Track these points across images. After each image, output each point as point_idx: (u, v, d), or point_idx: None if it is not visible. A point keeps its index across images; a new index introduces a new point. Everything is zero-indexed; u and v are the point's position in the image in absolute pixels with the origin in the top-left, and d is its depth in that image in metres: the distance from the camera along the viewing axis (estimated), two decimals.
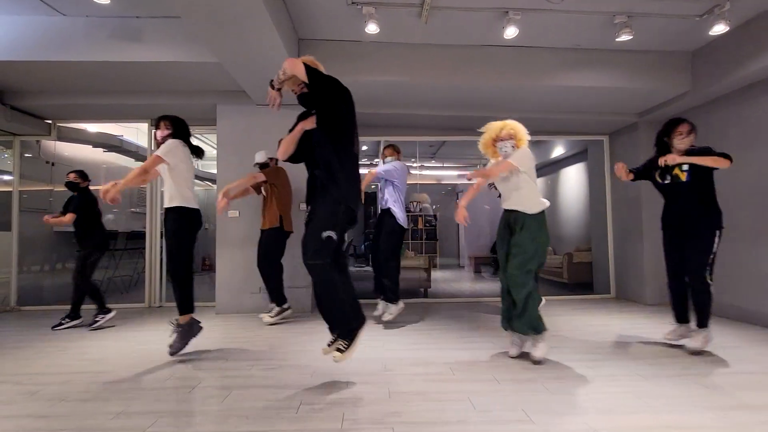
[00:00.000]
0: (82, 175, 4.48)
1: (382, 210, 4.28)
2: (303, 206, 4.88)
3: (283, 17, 3.67)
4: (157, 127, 3.24)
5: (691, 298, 3.20)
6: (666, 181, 3.23)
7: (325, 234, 2.26)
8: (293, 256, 4.56)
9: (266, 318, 4.33)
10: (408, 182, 4.47)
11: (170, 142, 3.14)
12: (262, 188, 4.43)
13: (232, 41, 3.52)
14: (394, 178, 4.24)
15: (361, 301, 2.55)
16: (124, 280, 6.90)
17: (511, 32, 3.90)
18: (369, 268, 7.36)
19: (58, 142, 6.04)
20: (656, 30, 4.14)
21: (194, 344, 3.27)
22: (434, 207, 10.11)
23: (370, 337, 3.62)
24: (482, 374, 2.74)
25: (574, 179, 7.98)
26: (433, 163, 9.94)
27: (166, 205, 3.18)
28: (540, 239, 2.93)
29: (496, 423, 2.04)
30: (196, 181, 3.28)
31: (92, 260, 4.34)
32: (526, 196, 2.98)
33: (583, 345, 3.41)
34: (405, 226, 4.21)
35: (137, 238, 5.75)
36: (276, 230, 4.29)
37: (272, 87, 2.34)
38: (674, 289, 3.32)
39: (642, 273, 5.50)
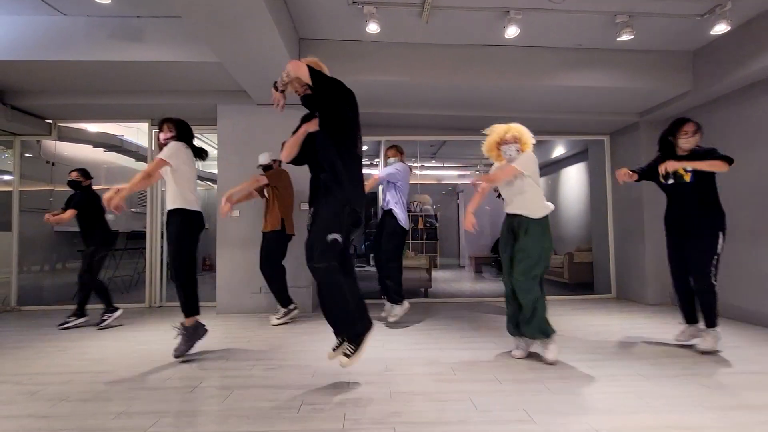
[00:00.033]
0: (84, 173, 4.48)
1: (383, 211, 4.27)
2: (304, 206, 4.88)
3: (283, 17, 3.67)
4: (160, 130, 3.23)
5: (696, 298, 3.19)
6: (669, 182, 3.22)
7: (331, 237, 2.25)
8: (295, 257, 4.56)
9: (273, 319, 4.33)
10: (409, 182, 4.46)
11: (173, 144, 3.13)
12: (265, 191, 4.42)
13: (232, 41, 3.52)
14: (397, 180, 4.23)
15: (366, 301, 2.55)
16: (124, 280, 6.91)
17: (512, 32, 3.90)
18: (369, 268, 7.35)
19: (58, 142, 6.04)
20: (657, 29, 4.14)
21: (196, 345, 3.26)
22: (435, 207, 10.10)
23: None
24: (483, 374, 2.74)
25: (574, 179, 7.97)
26: (433, 163, 9.94)
27: (169, 207, 3.16)
28: (544, 244, 2.93)
29: (497, 423, 2.03)
30: (197, 181, 3.27)
31: (98, 258, 4.35)
32: (530, 200, 2.97)
33: (584, 345, 3.40)
34: (406, 227, 4.21)
35: (137, 238, 5.76)
36: (277, 233, 4.28)
37: (276, 89, 2.33)
38: (680, 290, 3.31)
39: (643, 273, 5.50)
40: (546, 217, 2.98)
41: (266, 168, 4.45)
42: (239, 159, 5.04)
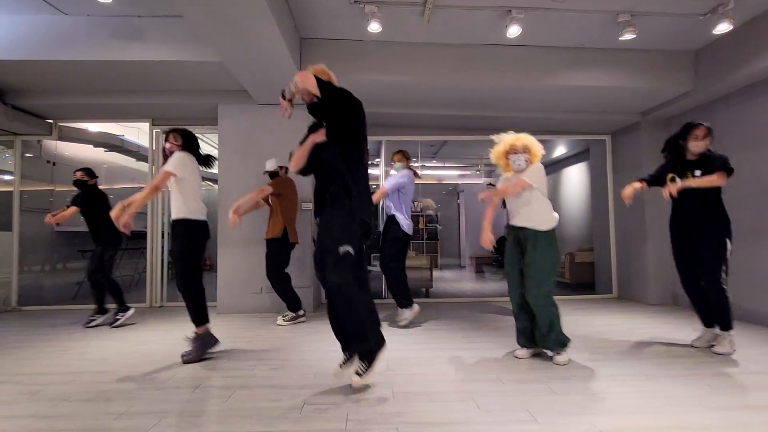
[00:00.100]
0: (89, 172, 4.47)
1: (387, 216, 4.24)
2: (305, 205, 4.87)
3: (285, 16, 3.66)
4: (166, 140, 3.21)
5: (709, 302, 3.18)
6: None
7: (343, 249, 2.21)
8: (296, 258, 4.56)
9: (279, 319, 4.33)
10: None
11: (177, 154, 3.12)
12: (269, 198, 4.41)
13: (234, 40, 3.51)
14: (404, 188, 4.19)
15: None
16: (125, 280, 6.90)
17: (513, 31, 3.89)
18: (370, 267, 7.33)
19: (59, 142, 6.04)
20: (659, 29, 4.13)
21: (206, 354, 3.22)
22: (436, 206, 10.10)
23: None
24: (486, 374, 2.73)
25: (576, 179, 7.97)
26: (434, 163, 9.94)
27: (174, 217, 3.14)
28: (553, 256, 2.92)
29: (500, 423, 2.02)
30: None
31: (108, 256, 4.35)
32: (538, 212, 2.95)
33: (586, 345, 3.39)
34: (409, 232, 4.16)
35: (138, 238, 5.75)
36: (278, 240, 4.26)
37: (283, 97, 2.31)
38: (691, 295, 3.30)
39: (645, 273, 5.49)
40: (553, 229, 2.96)
41: (272, 174, 4.43)
42: (240, 159, 5.04)
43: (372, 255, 7.27)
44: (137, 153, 7.11)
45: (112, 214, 3.02)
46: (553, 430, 1.94)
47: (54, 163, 6.18)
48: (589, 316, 4.65)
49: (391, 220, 4.15)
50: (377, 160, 6.86)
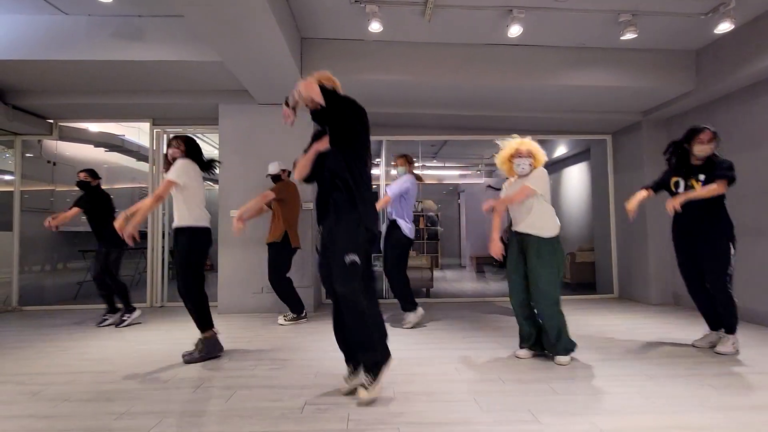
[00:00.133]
0: (92, 173, 4.46)
1: (389, 221, 4.21)
2: (306, 205, 4.86)
3: (286, 16, 3.66)
4: (168, 146, 3.20)
5: (716, 306, 3.17)
6: (680, 191, 3.20)
7: (349, 259, 2.19)
8: (297, 258, 4.54)
9: (281, 319, 4.33)
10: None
11: (179, 162, 3.10)
12: (271, 203, 4.39)
13: (234, 40, 3.51)
14: (407, 193, 4.15)
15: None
16: (125, 280, 6.88)
17: (515, 31, 3.89)
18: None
19: (59, 142, 6.04)
20: (661, 28, 4.12)
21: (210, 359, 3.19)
22: (437, 206, 10.10)
23: None
24: (487, 374, 2.72)
25: (576, 179, 7.96)
26: (434, 163, 9.94)
27: (176, 225, 3.12)
28: (557, 263, 2.92)
29: (502, 423, 2.02)
30: None
31: (114, 258, 4.35)
32: (540, 218, 2.94)
33: (587, 345, 3.38)
34: (411, 237, 4.12)
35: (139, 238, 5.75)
36: (279, 245, 4.25)
37: (287, 105, 2.30)
38: (696, 298, 3.30)
39: (646, 273, 5.48)
40: (557, 236, 2.96)
41: (275, 178, 4.42)
42: (240, 159, 5.04)
43: (373, 255, 7.25)
44: (138, 153, 7.11)
45: (116, 224, 3.02)
46: (554, 430, 1.93)
47: (54, 163, 6.18)
48: (590, 316, 4.64)
49: (393, 224, 4.12)
50: (378, 160, 6.86)
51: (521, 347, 3.12)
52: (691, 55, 4.60)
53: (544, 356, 3.08)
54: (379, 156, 6.64)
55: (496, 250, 3.00)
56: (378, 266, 5.04)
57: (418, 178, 4.28)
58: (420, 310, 4.15)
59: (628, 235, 5.83)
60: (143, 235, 5.64)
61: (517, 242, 3.02)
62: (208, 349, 3.13)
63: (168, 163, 3.20)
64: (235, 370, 2.88)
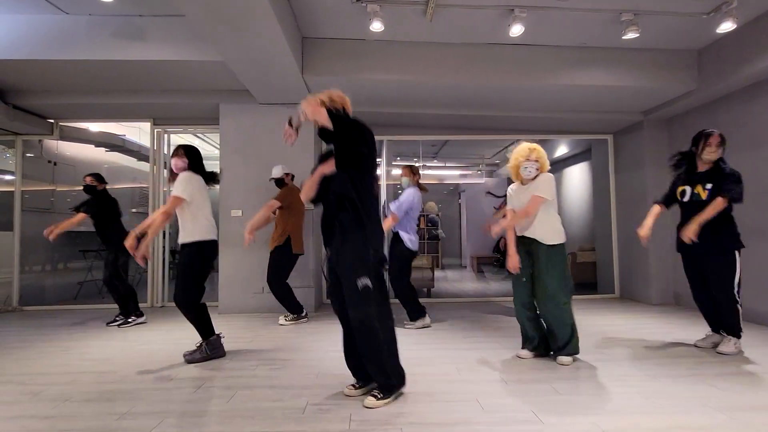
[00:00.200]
0: (98, 177, 4.44)
1: (392, 234, 4.14)
2: (308, 205, 4.85)
3: (287, 15, 3.65)
4: (173, 156, 3.18)
5: (721, 313, 3.17)
6: (685, 199, 3.20)
7: (361, 283, 2.18)
8: (297, 261, 4.53)
9: (281, 319, 4.33)
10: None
11: (182, 177, 3.07)
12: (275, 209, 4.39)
13: (235, 39, 3.50)
14: (412, 209, 4.11)
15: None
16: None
17: (516, 30, 3.88)
18: None
19: (60, 142, 6.03)
20: (662, 28, 4.11)
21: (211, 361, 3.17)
22: (438, 206, 10.09)
23: None
24: (489, 374, 2.72)
25: (578, 178, 7.95)
26: (435, 163, 9.93)
27: (182, 240, 3.09)
28: (563, 267, 2.93)
29: (504, 424, 2.01)
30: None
31: (122, 262, 4.36)
32: (548, 223, 2.95)
33: (589, 345, 3.37)
34: (413, 249, 4.06)
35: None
36: (281, 250, 4.24)
37: (290, 125, 2.28)
38: (700, 304, 3.30)
39: (647, 273, 5.47)
40: (563, 243, 2.97)
41: (278, 182, 4.41)
42: (241, 158, 5.03)
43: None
44: (138, 153, 7.10)
45: (127, 244, 3.04)
46: (556, 431, 1.93)
47: (55, 163, 6.17)
48: (592, 315, 4.63)
49: (396, 237, 4.09)
50: (378, 160, 6.86)
51: (523, 348, 3.12)
52: (693, 54, 4.59)
53: (546, 356, 3.07)
54: (379, 156, 6.64)
55: (514, 263, 2.98)
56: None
57: (422, 188, 4.21)
58: (427, 320, 4.12)
59: (629, 234, 5.82)
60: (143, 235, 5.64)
61: (526, 245, 3.02)
62: (211, 350, 3.13)
63: (172, 173, 3.18)
64: (236, 370, 2.88)
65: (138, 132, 6.84)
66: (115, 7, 3.95)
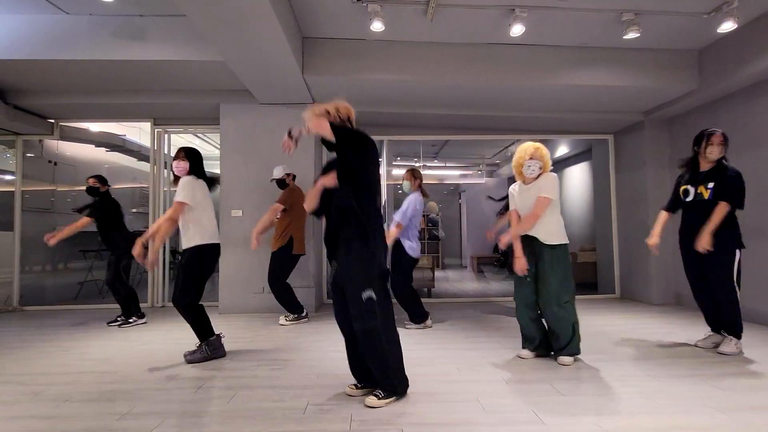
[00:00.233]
0: (101, 179, 4.43)
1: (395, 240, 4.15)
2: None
3: (287, 15, 3.65)
4: (175, 158, 3.17)
5: (721, 312, 3.17)
6: (688, 199, 3.20)
7: (365, 295, 2.18)
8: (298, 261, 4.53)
9: (282, 319, 4.33)
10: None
11: (186, 181, 3.07)
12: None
13: (236, 39, 3.50)
14: (415, 216, 4.09)
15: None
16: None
17: (517, 30, 3.87)
18: None
19: (60, 142, 6.03)
20: (663, 28, 4.11)
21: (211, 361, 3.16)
22: (438, 206, 10.07)
23: None
24: (490, 374, 2.71)
25: (578, 178, 7.95)
26: (435, 163, 9.93)
27: (186, 245, 3.08)
28: (566, 267, 2.92)
29: (506, 424, 2.01)
30: None
31: (124, 264, 4.36)
32: (549, 224, 2.95)
33: (590, 345, 3.36)
34: (414, 256, 4.05)
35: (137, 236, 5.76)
36: (283, 250, 4.24)
37: (290, 136, 2.27)
38: (701, 304, 3.30)
39: (647, 273, 5.47)
40: (565, 244, 2.97)
41: (280, 182, 4.40)
42: (242, 158, 5.03)
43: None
44: (139, 153, 7.10)
45: (135, 252, 3.06)
46: (558, 431, 1.93)
47: (55, 163, 6.17)
48: (592, 316, 4.63)
49: (397, 244, 4.07)
50: (378, 159, 6.85)
51: (524, 348, 3.11)
52: (694, 54, 4.59)
53: (547, 357, 3.07)
54: (380, 156, 6.63)
55: (522, 266, 2.95)
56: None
57: (424, 193, 4.18)
58: (428, 323, 4.11)
59: (629, 234, 5.82)
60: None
61: (529, 244, 3.01)
62: (212, 350, 3.13)
63: (175, 176, 3.18)
64: (237, 370, 2.87)
65: (138, 132, 6.83)
66: (116, 6, 3.95)
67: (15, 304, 5.49)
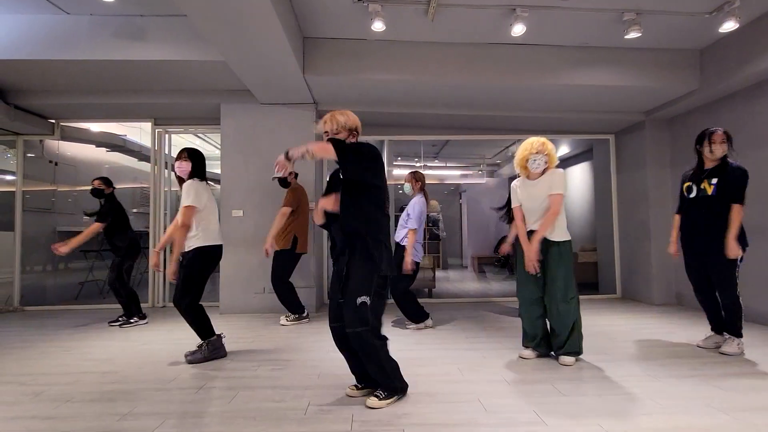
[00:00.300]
0: (106, 181, 4.43)
1: (396, 244, 4.10)
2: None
3: (288, 15, 3.65)
4: (177, 159, 3.17)
5: (722, 309, 3.17)
6: (692, 195, 3.19)
7: (360, 300, 2.18)
8: (300, 262, 4.52)
9: (283, 319, 4.33)
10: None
11: (189, 185, 3.06)
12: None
13: (237, 39, 3.50)
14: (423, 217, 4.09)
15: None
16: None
17: (518, 30, 3.87)
18: None
19: (61, 142, 6.03)
20: (664, 27, 4.10)
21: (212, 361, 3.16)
22: (439, 206, 10.06)
23: None
24: (491, 375, 2.71)
25: (579, 178, 7.95)
26: (436, 163, 9.92)
27: (190, 246, 3.08)
28: (570, 263, 2.93)
29: (507, 425, 2.00)
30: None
31: (127, 267, 4.37)
32: (558, 219, 2.95)
33: (591, 345, 3.35)
34: (417, 259, 4.05)
35: (140, 237, 5.75)
36: (286, 251, 4.24)
37: (287, 158, 2.27)
38: (703, 303, 3.30)
39: (649, 273, 5.46)
40: (569, 241, 2.98)
41: (282, 181, 4.40)
42: (243, 158, 5.03)
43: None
44: (139, 153, 7.10)
45: (151, 262, 3.06)
46: None
47: (56, 163, 6.17)
48: (593, 316, 4.62)
49: (399, 247, 4.06)
50: (383, 169, 6.84)
51: (525, 347, 3.11)
52: (695, 54, 4.58)
53: (549, 357, 3.06)
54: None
55: (533, 265, 2.92)
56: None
57: (426, 196, 4.18)
58: (429, 322, 4.11)
59: (630, 235, 5.81)
60: (145, 234, 5.64)
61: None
62: (212, 350, 3.12)
63: (178, 178, 3.18)
64: (238, 370, 2.87)
65: (139, 132, 6.83)
66: (116, 6, 3.95)
67: (16, 304, 5.49)
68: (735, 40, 4.13)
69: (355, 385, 2.43)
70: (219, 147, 5.33)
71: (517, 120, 5.58)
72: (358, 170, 2.21)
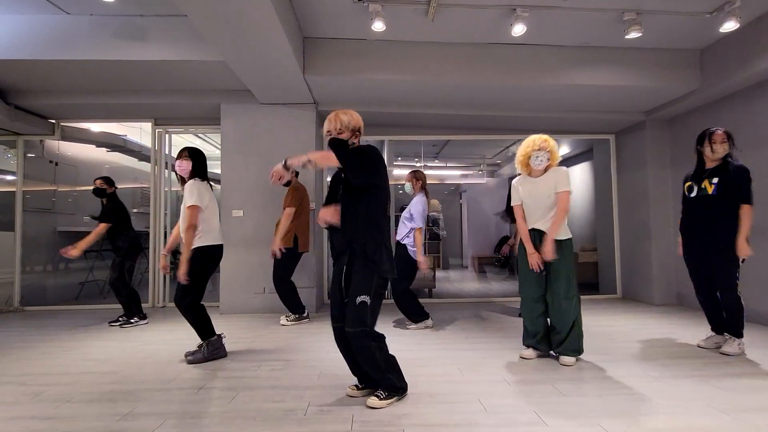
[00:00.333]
0: (108, 181, 4.42)
1: (397, 242, 4.12)
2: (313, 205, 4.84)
3: (288, 15, 3.65)
4: (178, 158, 3.16)
5: (723, 309, 3.16)
6: (692, 195, 3.19)
7: (359, 299, 2.18)
8: (300, 262, 4.52)
9: (283, 319, 4.33)
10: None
11: (190, 185, 3.06)
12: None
13: (237, 39, 3.49)
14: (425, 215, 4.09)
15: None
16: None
17: (518, 30, 3.87)
18: None
19: (61, 142, 6.03)
20: (665, 27, 4.10)
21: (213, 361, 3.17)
22: (440, 205, 10.07)
23: None
24: (491, 375, 2.71)
25: (579, 178, 7.94)
26: (436, 163, 9.91)
27: (193, 245, 3.07)
28: (572, 261, 2.94)
29: (508, 425, 2.00)
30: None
31: (129, 266, 4.37)
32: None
33: (591, 346, 3.35)
34: (418, 259, 4.03)
35: (141, 237, 5.75)
36: (288, 250, 4.22)
37: (285, 167, 2.26)
38: (704, 303, 3.29)
39: (649, 273, 5.46)
40: (570, 239, 2.98)
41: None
42: (243, 158, 5.03)
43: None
44: (139, 153, 7.10)
45: (161, 266, 3.08)
46: None
47: (56, 163, 6.17)
48: (594, 316, 4.62)
49: (399, 245, 4.07)
50: (386, 170, 6.83)
51: (526, 346, 3.10)
52: (696, 54, 4.58)
53: (549, 357, 3.06)
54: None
55: (537, 260, 2.94)
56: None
57: (427, 195, 4.17)
58: (429, 322, 4.10)
59: (631, 235, 5.81)
60: (145, 234, 5.64)
61: (538, 237, 3.01)
62: (212, 350, 3.12)
63: (179, 177, 3.18)
64: (238, 371, 2.87)
65: (139, 132, 6.83)
66: (117, 7, 3.95)
67: (16, 304, 5.49)
68: (735, 40, 4.13)
69: (356, 385, 2.43)
70: (219, 147, 5.33)
71: (517, 120, 5.58)
72: (363, 175, 2.21)
